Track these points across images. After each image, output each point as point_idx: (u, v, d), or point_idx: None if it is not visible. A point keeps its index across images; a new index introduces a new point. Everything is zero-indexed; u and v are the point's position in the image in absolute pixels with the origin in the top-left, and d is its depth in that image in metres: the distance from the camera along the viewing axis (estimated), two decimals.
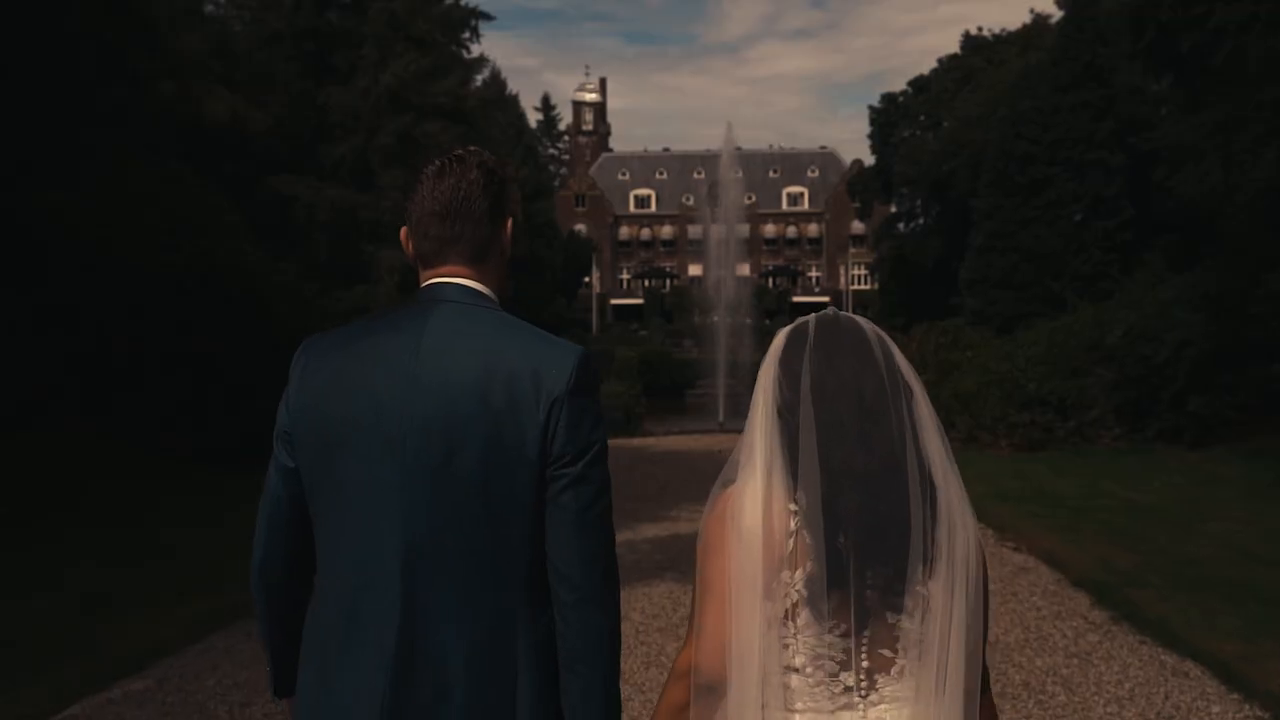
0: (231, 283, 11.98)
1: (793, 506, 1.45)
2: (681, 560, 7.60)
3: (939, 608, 1.42)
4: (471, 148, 1.81)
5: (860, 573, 1.42)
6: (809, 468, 1.45)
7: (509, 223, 1.81)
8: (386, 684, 1.58)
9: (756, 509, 1.46)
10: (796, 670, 1.44)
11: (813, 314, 1.60)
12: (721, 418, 24.66)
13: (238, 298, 11.88)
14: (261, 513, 1.75)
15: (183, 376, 11.02)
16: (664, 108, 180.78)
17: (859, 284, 74.44)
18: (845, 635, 1.42)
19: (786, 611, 1.43)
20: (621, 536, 8.24)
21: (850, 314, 1.61)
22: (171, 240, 11.94)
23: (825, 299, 76.10)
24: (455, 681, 1.58)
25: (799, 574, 1.43)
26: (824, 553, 1.42)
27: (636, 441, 17.75)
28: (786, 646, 1.43)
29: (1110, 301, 15.80)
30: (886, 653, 1.43)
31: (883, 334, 1.55)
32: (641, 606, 6.35)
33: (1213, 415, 11.94)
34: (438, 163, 1.77)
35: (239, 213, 15.18)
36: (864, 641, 1.43)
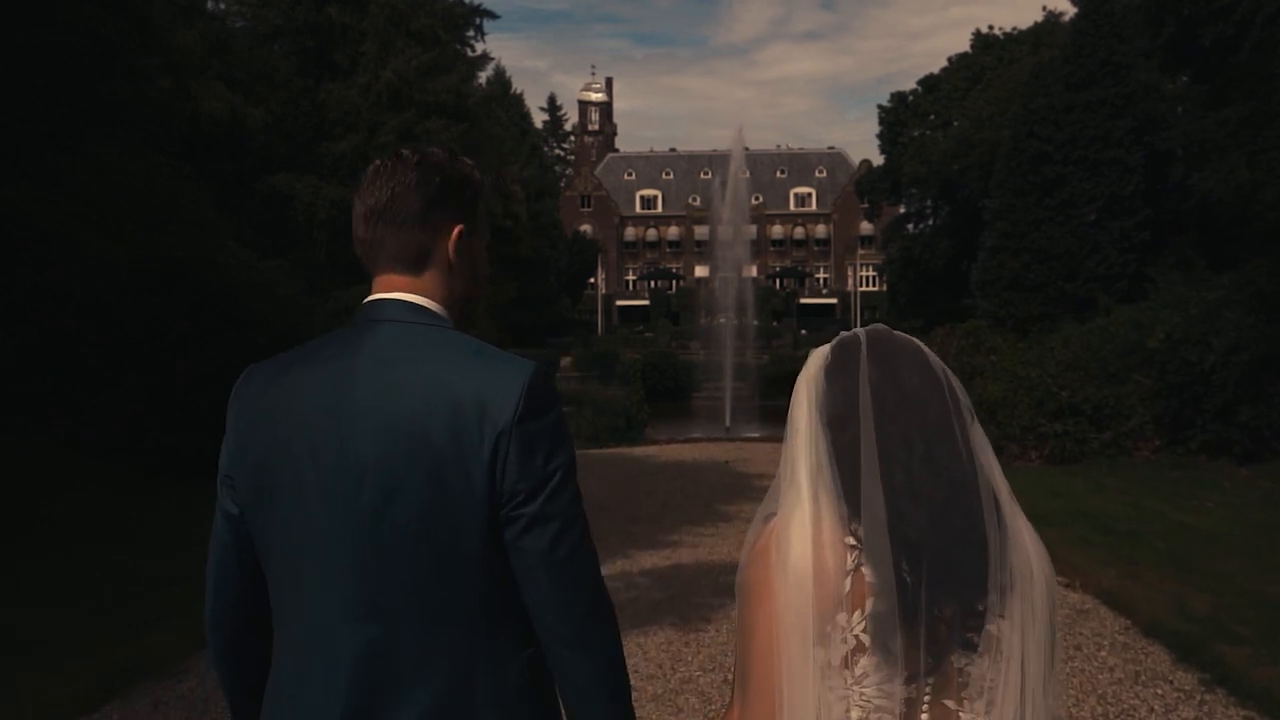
0: (211, 281, 11.37)
1: (850, 540, 1.28)
2: (683, 599, 6.65)
3: (1011, 651, 1.27)
4: (431, 148, 1.62)
5: (931, 608, 1.26)
6: (871, 489, 1.28)
7: (456, 229, 1.58)
8: None
9: (805, 543, 1.29)
10: None
11: (858, 328, 1.45)
12: (728, 423, 24.04)
13: (214, 292, 11.26)
14: (209, 562, 1.60)
15: (151, 380, 10.38)
16: (671, 109, 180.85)
17: (867, 285, 73.72)
18: (909, 682, 1.26)
19: (844, 659, 1.27)
20: (616, 568, 7.31)
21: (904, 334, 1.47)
22: (147, 235, 11.37)
23: (832, 300, 75.53)
24: None
25: (858, 615, 1.26)
26: (894, 586, 1.25)
27: (639, 451, 16.36)
28: (842, 700, 1.27)
29: (1145, 302, 15.02)
30: (950, 704, 1.27)
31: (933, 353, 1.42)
32: (634, 664, 5.03)
33: (1266, 427, 11.12)
34: (379, 161, 1.61)
35: (237, 211, 14.67)
36: (927, 689, 1.26)
